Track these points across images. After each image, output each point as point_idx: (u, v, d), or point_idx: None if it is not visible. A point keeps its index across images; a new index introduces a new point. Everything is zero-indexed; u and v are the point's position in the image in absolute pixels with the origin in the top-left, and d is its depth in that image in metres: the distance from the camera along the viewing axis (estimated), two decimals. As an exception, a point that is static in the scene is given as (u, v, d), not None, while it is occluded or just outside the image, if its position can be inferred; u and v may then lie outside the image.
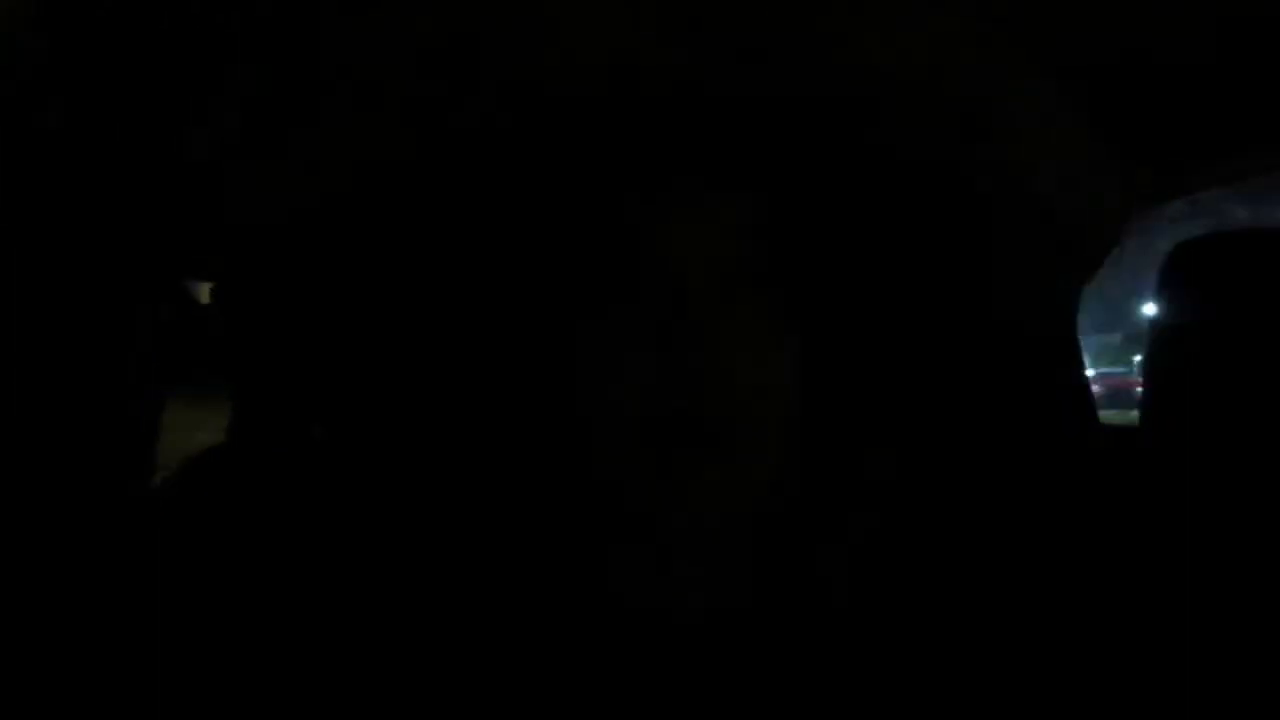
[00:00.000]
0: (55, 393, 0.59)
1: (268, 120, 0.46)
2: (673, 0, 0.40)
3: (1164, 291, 0.96)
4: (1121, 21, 0.47)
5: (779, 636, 0.52)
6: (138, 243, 0.63)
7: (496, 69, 0.42)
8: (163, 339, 0.68)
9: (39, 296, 0.60)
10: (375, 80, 0.42)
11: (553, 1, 0.39)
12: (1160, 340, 0.97)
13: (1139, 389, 1.01)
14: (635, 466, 0.46)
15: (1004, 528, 0.81)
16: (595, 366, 0.47)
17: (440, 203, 0.48)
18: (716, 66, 0.42)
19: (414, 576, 0.51)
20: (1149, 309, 1.01)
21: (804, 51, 0.41)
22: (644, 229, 0.47)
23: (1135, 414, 1.04)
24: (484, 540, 0.52)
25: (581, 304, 0.48)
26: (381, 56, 0.41)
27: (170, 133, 0.62)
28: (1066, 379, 0.98)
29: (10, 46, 0.60)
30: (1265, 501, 0.87)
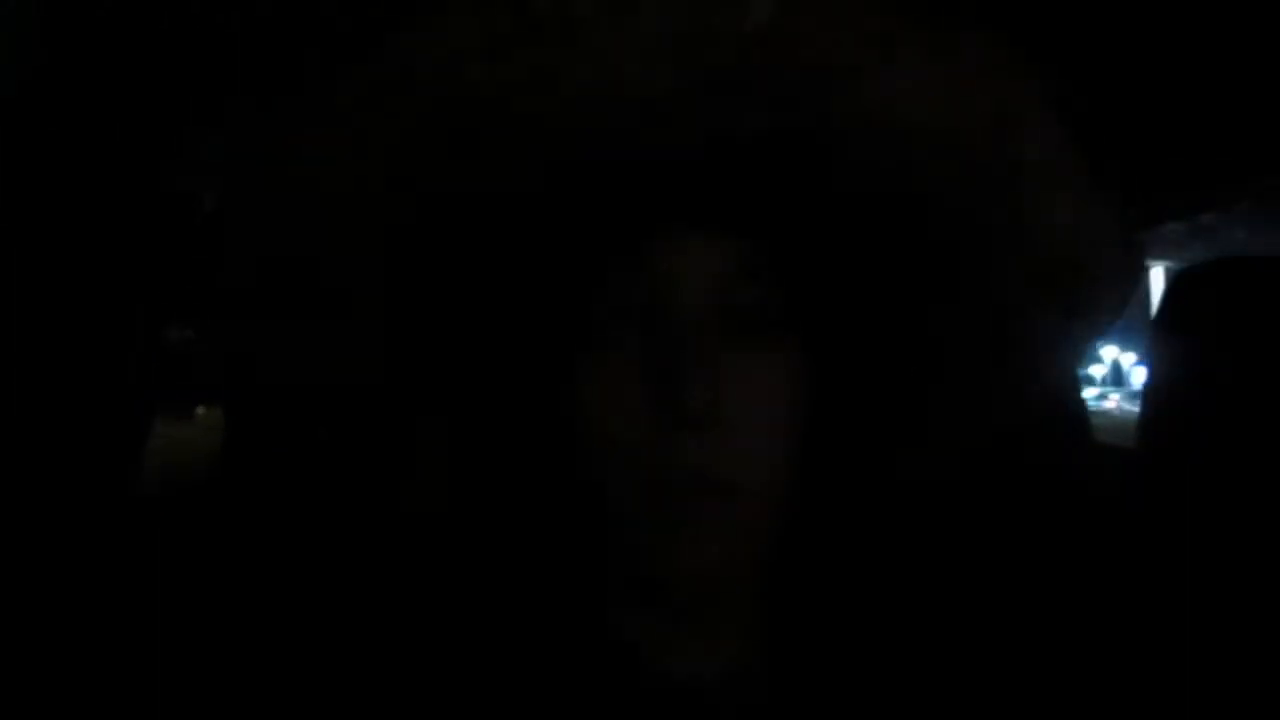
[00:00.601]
0: (59, 392, 0.59)
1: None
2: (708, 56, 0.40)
3: (1163, 319, 0.96)
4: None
5: (794, 698, 0.52)
6: (137, 251, 0.64)
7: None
8: (158, 345, 0.69)
9: (45, 301, 0.60)
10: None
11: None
12: (1160, 365, 0.97)
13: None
14: (638, 514, 0.46)
15: (1006, 563, 0.81)
16: (595, 413, 0.47)
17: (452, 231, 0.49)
18: (748, 116, 0.42)
19: (410, 616, 0.51)
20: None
21: (832, 104, 0.42)
22: (651, 271, 0.47)
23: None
24: (483, 578, 0.52)
25: (584, 344, 0.48)
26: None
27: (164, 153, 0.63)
28: (1067, 407, 0.99)
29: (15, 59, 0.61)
30: (1261, 526, 0.87)
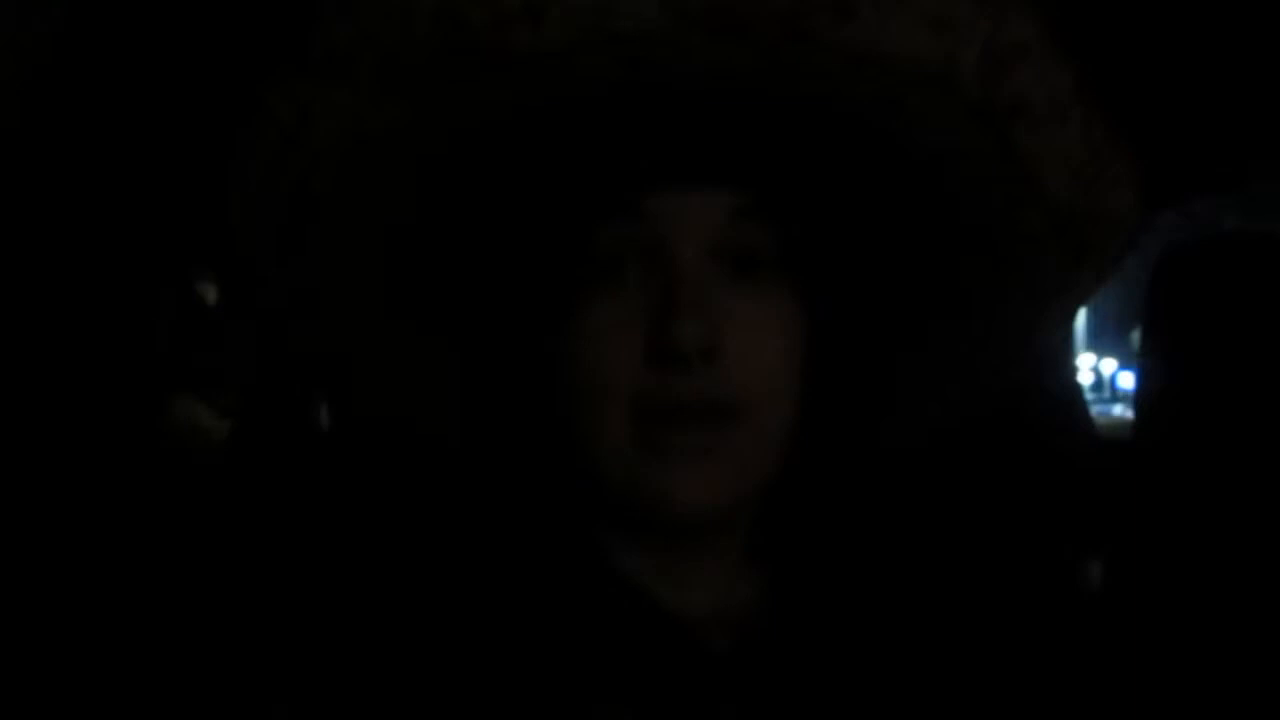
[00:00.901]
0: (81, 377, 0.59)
1: None
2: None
3: (1154, 296, 0.97)
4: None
5: (785, 629, 0.52)
6: (153, 237, 0.64)
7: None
8: (170, 328, 0.69)
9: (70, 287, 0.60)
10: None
11: None
12: (1153, 344, 0.98)
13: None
14: (630, 450, 0.47)
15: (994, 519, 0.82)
16: (592, 348, 0.48)
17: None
18: (739, 53, 0.43)
19: (413, 568, 0.51)
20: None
21: (838, 46, 0.42)
22: (648, 212, 0.47)
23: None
24: (483, 530, 0.52)
25: (583, 283, 0.48)
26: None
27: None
28: (1058, 383, 1.00)
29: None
30: (1259, 507, 0.88)
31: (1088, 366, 8.56)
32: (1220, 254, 0.94)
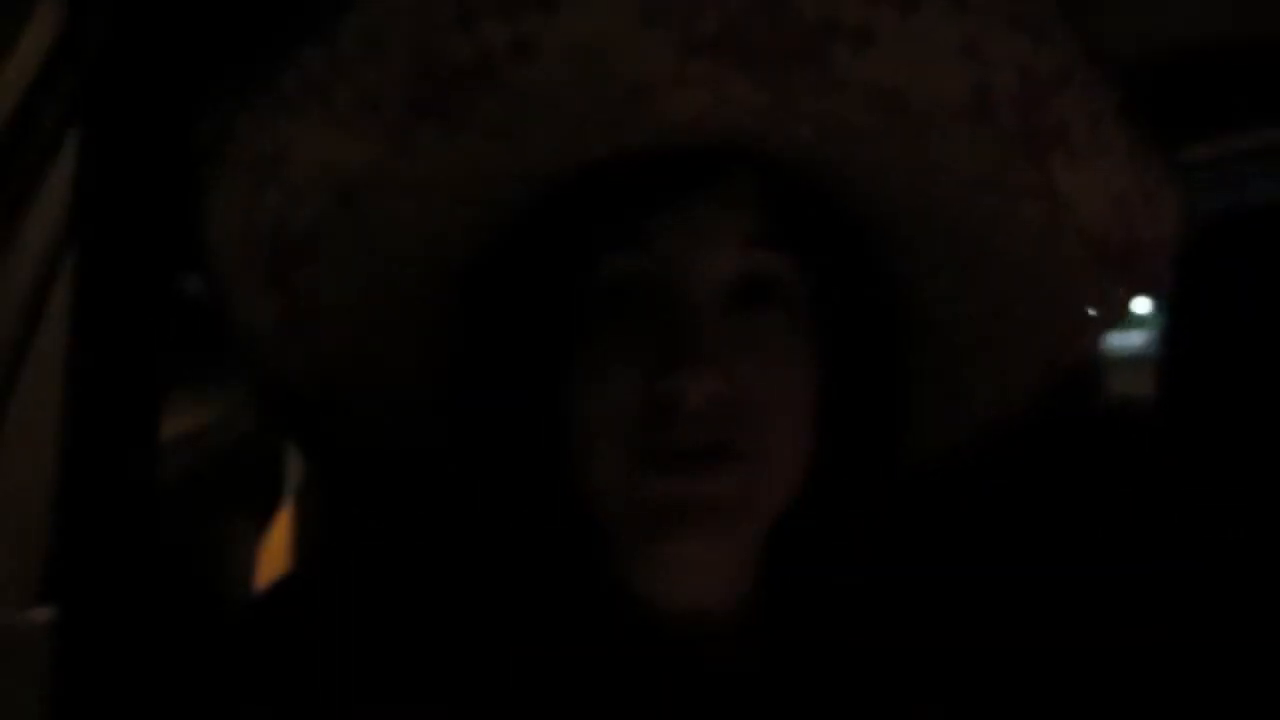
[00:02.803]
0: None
1: None
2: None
3: (1184, 269, 0.93)
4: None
5: (789, 629, 0.51)
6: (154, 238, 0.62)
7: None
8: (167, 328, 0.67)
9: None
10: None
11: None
12: (1178, 318, 0.95)
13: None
14: (636, 488, 0.44)
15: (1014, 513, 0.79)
16: (591, 386, 0.45)
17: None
18: (745, 88, 0.39)
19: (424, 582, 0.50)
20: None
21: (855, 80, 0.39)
22: (652, 243, 0.44)
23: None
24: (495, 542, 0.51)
25: (583, 320, 0.46)
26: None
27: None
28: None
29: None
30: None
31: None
32: (1256, 227, 0.90)
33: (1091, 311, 0.51)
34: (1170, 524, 0.91)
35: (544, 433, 0.47)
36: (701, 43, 0.37)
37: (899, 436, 0.52)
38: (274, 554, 0.92)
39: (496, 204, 0.46)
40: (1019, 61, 0.39)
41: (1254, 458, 0.88)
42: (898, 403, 0.51)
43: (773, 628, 0.51)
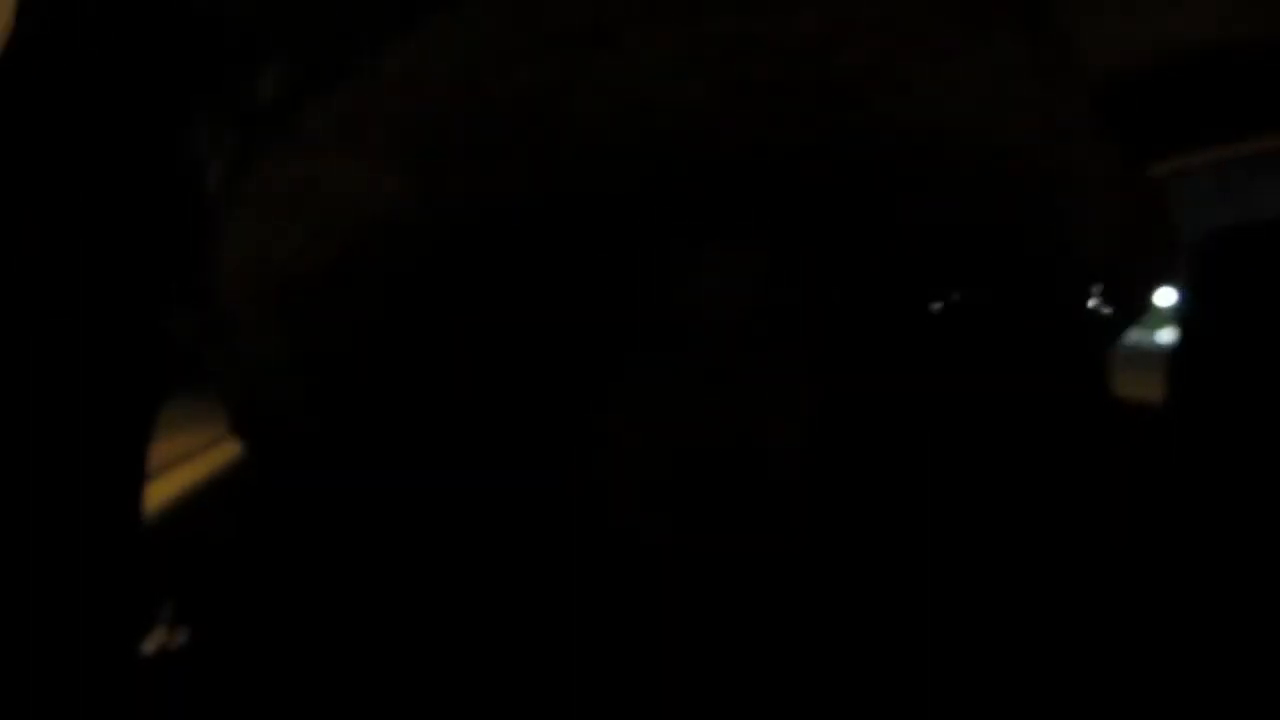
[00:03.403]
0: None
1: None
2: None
3: (1193, 282, 0.93)
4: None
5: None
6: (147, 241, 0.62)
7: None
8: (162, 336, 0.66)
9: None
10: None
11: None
12: (1187, 333, 0.95)
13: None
14: (660, 512, 0.45)
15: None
16: (620, 409, 0.46)
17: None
18: (787, 128, 0.40)
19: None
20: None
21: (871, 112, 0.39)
22: (677, 274, 0.45)
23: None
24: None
25: (605, 350, 0.46)
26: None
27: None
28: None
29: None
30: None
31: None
32: (1268, 239, 0.90)
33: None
34: (1175, 524, 0.91)
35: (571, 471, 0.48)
36: (747, 90, 0.38)
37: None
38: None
39: (520, 232, 0.47)
40: (1043, 108, 0.40)
41: (1261, 460, 0.88)
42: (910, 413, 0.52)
43: None
